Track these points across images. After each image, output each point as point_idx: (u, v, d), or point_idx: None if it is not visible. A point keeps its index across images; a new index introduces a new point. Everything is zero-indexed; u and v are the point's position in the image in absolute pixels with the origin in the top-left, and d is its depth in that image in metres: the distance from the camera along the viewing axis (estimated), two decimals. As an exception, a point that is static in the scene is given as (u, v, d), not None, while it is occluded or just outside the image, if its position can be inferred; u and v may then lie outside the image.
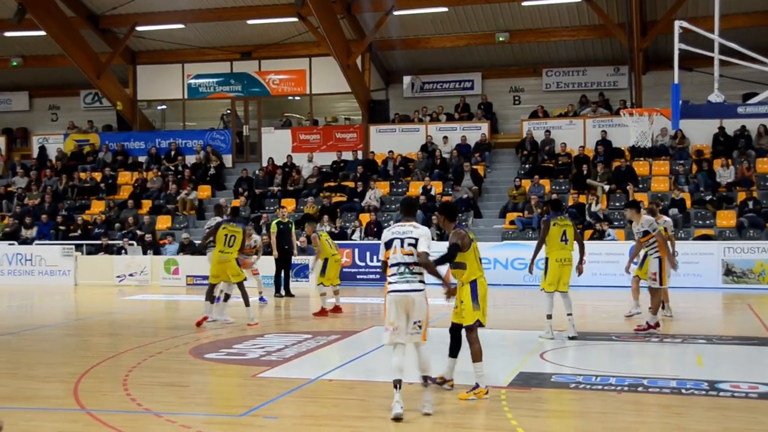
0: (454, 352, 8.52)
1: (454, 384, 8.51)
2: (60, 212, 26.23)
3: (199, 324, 13.45)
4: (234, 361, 10.56)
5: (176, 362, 10.46)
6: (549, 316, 11.73)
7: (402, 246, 7.62)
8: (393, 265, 7.62)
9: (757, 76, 13.60)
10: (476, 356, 8.19)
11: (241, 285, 13.62)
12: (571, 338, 11.58)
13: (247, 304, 13.54)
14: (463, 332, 8.35)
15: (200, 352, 11.22)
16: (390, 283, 7.62)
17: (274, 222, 18.83)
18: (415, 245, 7.60)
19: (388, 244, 7.68)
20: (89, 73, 27.44)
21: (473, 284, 8.25)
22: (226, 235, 13.46)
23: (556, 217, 11.85)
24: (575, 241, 11.85)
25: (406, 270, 7.59)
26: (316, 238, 15.32)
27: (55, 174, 28.72)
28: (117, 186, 27.95)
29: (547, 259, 11.72)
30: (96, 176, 28.18)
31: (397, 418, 7.34)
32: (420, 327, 7.61)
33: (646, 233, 12.49)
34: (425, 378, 7.64)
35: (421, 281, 7.64)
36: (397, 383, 7.44)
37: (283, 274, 18.55)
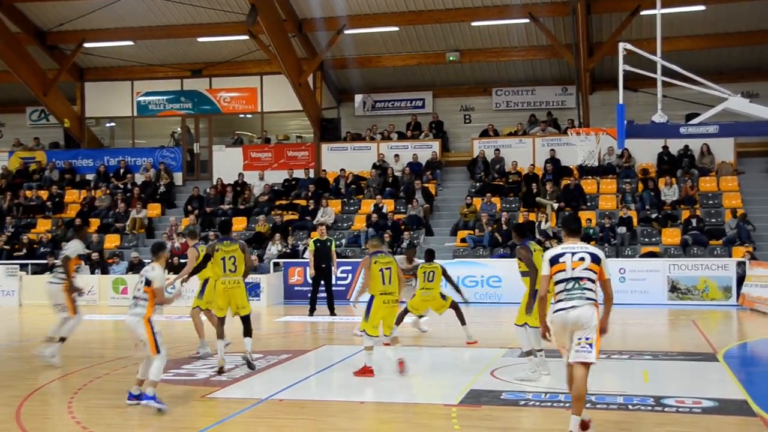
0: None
1: None
2: (4, 231, 25.67)
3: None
4: (183, 381, 10.43)
5: (124, 383, 10.26)
6: (534, 353, 10.29)
7: None
8: None
9: (699, 98, 13.93)
10: None
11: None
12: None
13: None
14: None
15: (149, 373, 11.02)
16: None
17: (312, 241, 18.85)
18: None
19: None
20: (36, 89, 27.00)
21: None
22: (223, 258, 10.80)
23: (527, 243, 10.34)
24: None
25: None
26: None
27: (-1, 192, 28.16)
28: (64, 204, 27.45)
29: (537, 291, 9.21)
30: (42, 194, 27.67)
31: None
32: None
33: None
34: None
35: None
36: None
37: (326, 294, 18.45)
